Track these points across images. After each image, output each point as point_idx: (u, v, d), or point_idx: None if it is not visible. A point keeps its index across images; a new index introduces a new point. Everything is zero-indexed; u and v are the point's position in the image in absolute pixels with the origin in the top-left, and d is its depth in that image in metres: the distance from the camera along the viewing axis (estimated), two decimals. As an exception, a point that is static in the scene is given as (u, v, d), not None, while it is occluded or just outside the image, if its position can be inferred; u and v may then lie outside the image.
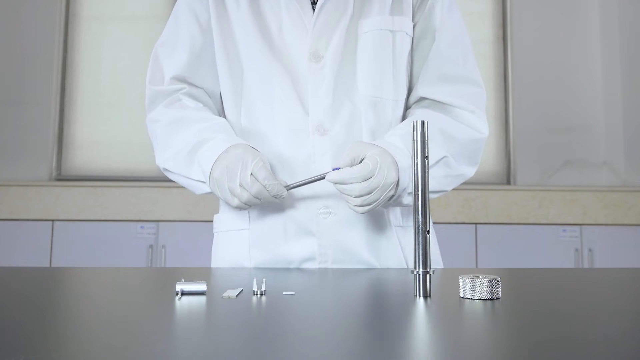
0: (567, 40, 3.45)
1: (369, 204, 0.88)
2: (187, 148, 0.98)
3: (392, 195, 0.90)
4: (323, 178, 0.90)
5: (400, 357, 0.41)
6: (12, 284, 0.80)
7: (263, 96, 1.02)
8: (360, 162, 0.89)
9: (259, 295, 0.67)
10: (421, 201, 0.68)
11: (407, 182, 0.90)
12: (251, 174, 0.89)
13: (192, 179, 0.99)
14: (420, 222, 0.67)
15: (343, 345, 0.45)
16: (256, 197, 0.90)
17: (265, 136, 1.01)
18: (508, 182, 3.37)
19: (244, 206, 0.92)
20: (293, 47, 1.01)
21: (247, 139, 1.02)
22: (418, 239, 0.67)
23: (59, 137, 3.32)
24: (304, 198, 0.99)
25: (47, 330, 0.49)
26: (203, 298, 0.65)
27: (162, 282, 0.83)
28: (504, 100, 3.43)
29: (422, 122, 0.68)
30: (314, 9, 1.01)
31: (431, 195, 0.97)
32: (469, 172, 1.02)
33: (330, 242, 0.98)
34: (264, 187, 0.89)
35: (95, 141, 3.32)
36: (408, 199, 0.93)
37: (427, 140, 0.68)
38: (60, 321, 0.55)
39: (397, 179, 0.89)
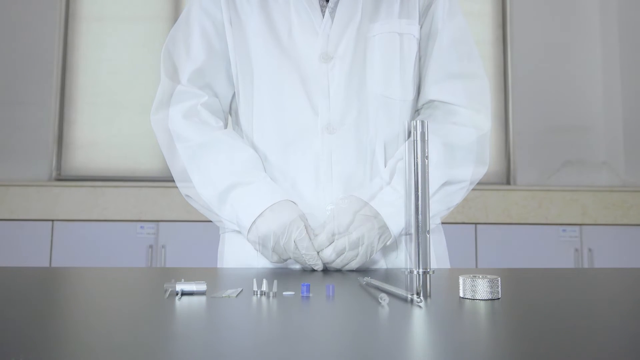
0: (566, 40, 3.45)
1: (347, 262, 0.95)
2: (221, 186, 0.99)
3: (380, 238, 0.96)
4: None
5: (401, 358, 0.41)
6: (12, 284, 0.80)
7: (273, 96, 1.03)
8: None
9: (259, 295, 0.67)
10: (421, 201, 0.68)
11: (398, 225, 0.96)
12: (294, 241, 0.93)
13: (221, 217, 1.01)
14: (420, 222, 0.67)
15: (342, 345, 0.45)
16: (295, 260, 0.96)
17: (275, 135, 1.02)
18: (508, 182, 3.37)
19: (280, 262, 0.98)
20: (303, 48, 1.02)
21: (259, 140, 1.03)
22: (418, 239, 0.67)
23: (58, 137, 3.32)
24: (313, 200, 1.01)
25: (47, 330, 0.49)
26: (203, 298, 0.65)
27: (162, 282, 0.83)
28: (503, 100, 3.43)
29: (422, 122, 0.68)
30: (322, 12, 1.03)
31: (443, 213, 1.04)
32: (479, 172, 1.05)
33: None
34: (303, 255, 0.94)
35: (95, 141, 3.32)
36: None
37: (427, 140, 0.68)
38: (61, 321, 0.55)
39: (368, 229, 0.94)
